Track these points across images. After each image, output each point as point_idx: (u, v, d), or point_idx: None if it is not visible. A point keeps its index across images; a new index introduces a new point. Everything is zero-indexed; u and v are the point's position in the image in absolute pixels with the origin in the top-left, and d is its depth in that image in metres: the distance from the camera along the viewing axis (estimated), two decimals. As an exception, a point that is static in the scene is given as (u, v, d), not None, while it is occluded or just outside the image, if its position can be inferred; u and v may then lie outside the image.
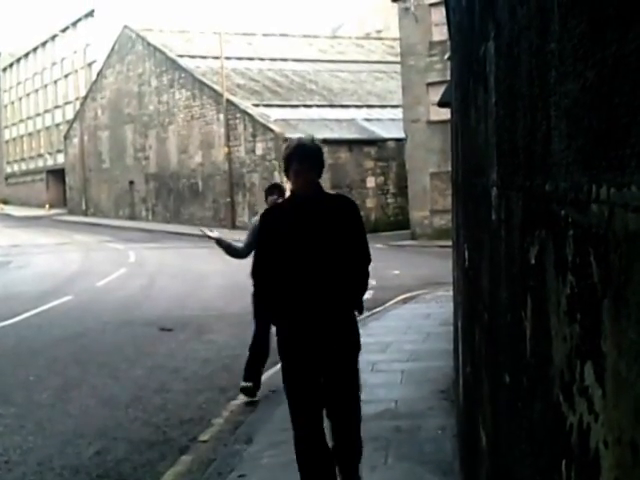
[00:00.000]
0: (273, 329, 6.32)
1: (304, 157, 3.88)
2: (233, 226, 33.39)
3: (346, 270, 3.86)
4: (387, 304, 12.06)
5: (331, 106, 35.67)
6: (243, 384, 6.63)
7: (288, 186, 4.28)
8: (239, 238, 7.36)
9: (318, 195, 3.95)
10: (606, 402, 0.93)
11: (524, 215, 1.55)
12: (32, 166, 67.78)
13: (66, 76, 61.30)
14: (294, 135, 33.39)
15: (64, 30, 60.37)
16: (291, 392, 3.87)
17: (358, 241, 3.94)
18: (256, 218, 7.03)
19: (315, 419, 3.85)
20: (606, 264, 0.92)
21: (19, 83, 71.53)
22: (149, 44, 40.87)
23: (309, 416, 3.83)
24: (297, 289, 3.81)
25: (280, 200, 5.88)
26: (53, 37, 62.70)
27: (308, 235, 3.81)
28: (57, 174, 60.03)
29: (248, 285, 6.81)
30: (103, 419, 6.43)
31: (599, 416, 0.96)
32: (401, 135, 29.13)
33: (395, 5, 28.70)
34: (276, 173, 30.63)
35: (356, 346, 3.98)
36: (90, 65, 55.50)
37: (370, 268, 4.05)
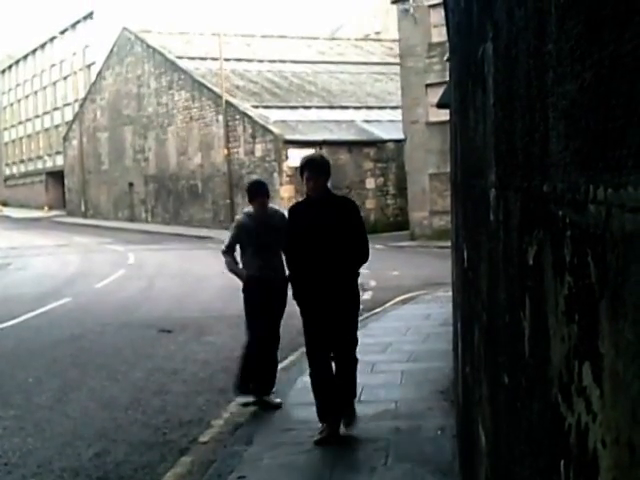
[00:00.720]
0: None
1: (313, 167, 5.33)
2: (232, 227, 33.37)
3: (348, 250, 5.25)
4: (386, 305, 12.07)
5: (330, 107, 35.68)
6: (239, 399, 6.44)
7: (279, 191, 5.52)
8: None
9: (326, 195, 5.38)
10: (604, 402, 0.93)
11: (522, 216, 1.55)
12: (31, 168, 67.78)
13: (65, 78, 61.31)
14: (293, 137, 33.48)
15: (63, 32, 60.38)
16: (307, 334, 5.39)
17: (357, 230, 5.35)
18: (238, 217, 6.86)
19: (325, 352, 5.35)
20: (604, 265, 0.92)
21: (18, 85, 71.53)
22: (148, 46, 40.88)
23: (320, 351, 5.35)
24: (313, 263, 5.23)
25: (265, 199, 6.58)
26: (52, 39, 62.70)
27: (320, 225, 5.23)
28: (56, 176, 60.02)
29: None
30: (102, 421, 6.43)
31: (597, 416, 0.96)
32: (400, 136, 29.14)
33: (394, 6, 28.74)
34: (275, 174, 30.66)
35: (356, 304, 5.42)
36: (89, 67, 55.51)
37: (369, 269, 5.71)
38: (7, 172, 73.94)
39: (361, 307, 5.80)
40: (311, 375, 5.48)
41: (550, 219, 1.23)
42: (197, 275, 17.80)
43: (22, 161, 70.57)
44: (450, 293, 7.08)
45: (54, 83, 63.54)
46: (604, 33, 0.91)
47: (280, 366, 7.84)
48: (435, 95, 20.74)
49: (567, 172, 1.11)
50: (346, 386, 5.41)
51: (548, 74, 1.24)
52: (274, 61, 40.58)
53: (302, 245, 5.28)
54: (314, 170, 5.30)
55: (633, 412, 0.82)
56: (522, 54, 1.51)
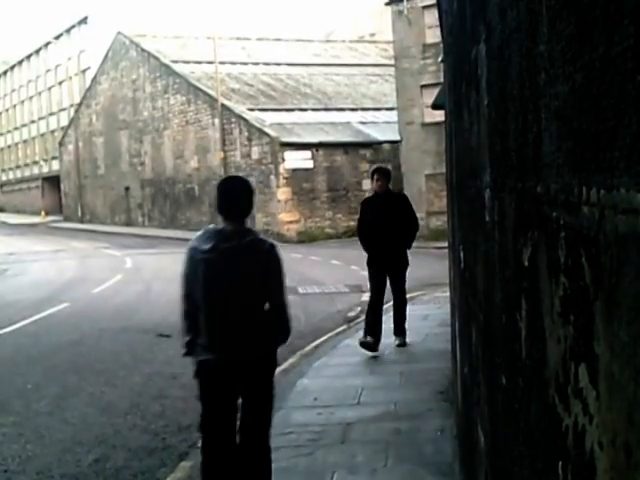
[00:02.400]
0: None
1: (382, 173, 8.22)
2: (230, 231, 33.29)
3: (404, 229, 8.05)
4: (385, 306, 12.03)
5: (326, 109, 35.67)
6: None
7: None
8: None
9: (388, 192, 8.21)
10: (600, 404, 0.93)
11: (517, 217, 1.55)
12: (27, 173, 67.68)
13: (60, 83, 61.23)
14: (290, 139, 33.31)
15: (58, 37, 60.32)
16: (372, 288, 8.31)
17: (410, 215, 8.19)
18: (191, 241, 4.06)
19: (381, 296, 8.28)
20: (598, 266, 0.92)
21: (13, 90, 71.45)
22: (143, 50, 40.85)
23: (380, 290, 8.27)
24: (378, 239, 7.95)
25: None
26: (47, 44, 62.63)
27: (384, 213, 7.93)
28: (52, 181, 59.94)
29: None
30: (102, 427, 6.41)
31: (594, 418, 0.96)
32: (396, 137, 29.14)
33: (388, 8, 28.74)
34: (272, 177, 30.65)
35: (406, 265, 8.25)
36: (84, 72, 55.45)
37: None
38: (3, 178, 73.83)
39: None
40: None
41: (544, 220, 1.23)
42: (195, 279, 17.75)
43: (18, 167, 70.47)
44: (448, 293, 7.07)
45: (49, 88, 63.48)
46: (594, 35, 0.91)
47: (280, 368, 7.77)
48: (430, 96, 20.74)
49: (560, 173, 1.11)
50: (399, 316, 8.40)
51: (540, 75, 1.24)
52: (269, 64, 40.56)
53: (373, 226, 7.93)
54: (383, 175, 8.16)
55: (629, 414, 0.82)
56: (514, 55, 1.51)
